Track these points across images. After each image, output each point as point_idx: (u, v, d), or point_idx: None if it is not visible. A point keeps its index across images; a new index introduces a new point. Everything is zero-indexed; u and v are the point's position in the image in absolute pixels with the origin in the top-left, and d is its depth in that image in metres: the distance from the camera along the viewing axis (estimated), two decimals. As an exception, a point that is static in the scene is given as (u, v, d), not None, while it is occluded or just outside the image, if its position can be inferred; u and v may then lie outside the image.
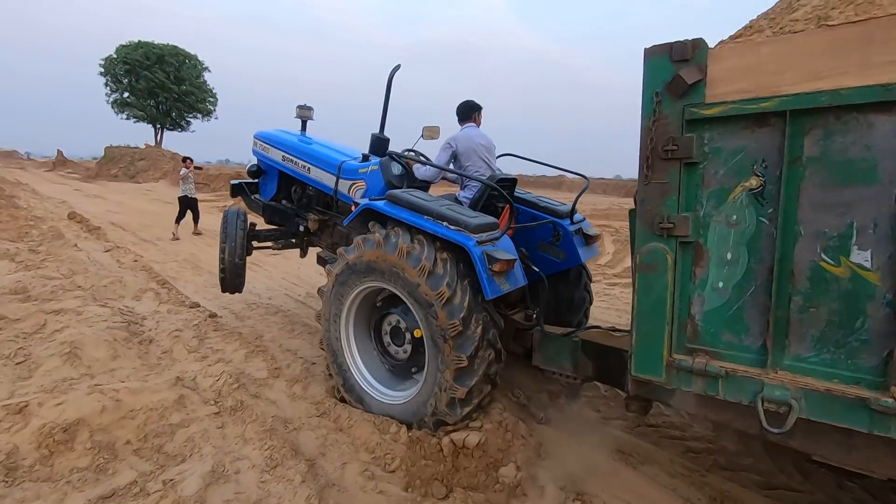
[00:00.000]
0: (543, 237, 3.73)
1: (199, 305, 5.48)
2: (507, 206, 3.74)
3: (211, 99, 40.49)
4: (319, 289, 3.47)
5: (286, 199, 4.96)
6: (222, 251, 4.44)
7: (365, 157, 4.14)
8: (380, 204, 3.21)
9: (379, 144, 4.15)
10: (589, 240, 3.78)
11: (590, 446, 3.10)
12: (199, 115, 40.24)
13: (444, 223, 2.91)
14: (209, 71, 40.35)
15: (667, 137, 1.69)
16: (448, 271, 2.79)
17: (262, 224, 5.07)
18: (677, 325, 1.77)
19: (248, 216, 4.76)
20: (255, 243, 4.64)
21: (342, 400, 3.42)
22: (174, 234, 10.12)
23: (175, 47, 37.73)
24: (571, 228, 3.68)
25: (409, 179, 3.96)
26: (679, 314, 1.76)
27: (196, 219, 10.69)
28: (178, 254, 8.69)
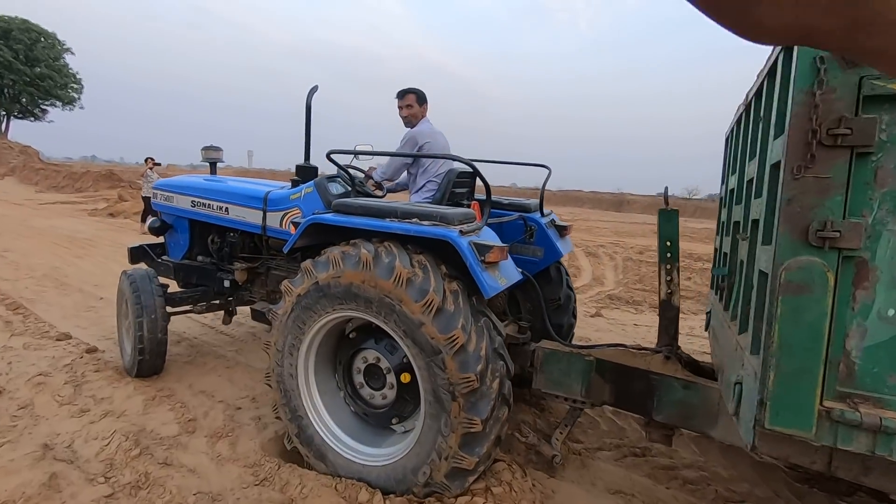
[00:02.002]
0: (514, 236, 3.39)
1: (70, 337, 4.20)
2: (475, 202, 3.37)
3: (74, 85, 35.11)
4: (270, 309, 2.63)
5: (202, 254, 3.98)
6: (139, 327, 3.38)
7: (295, 183, 3.39)
8: (329, 216, 2.52)
9: (307, 174, 3.56)
10: (563, 231, 3.55)
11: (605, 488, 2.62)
12: (58, 104, 34.65)
13: (414, 220, 2.32)
14: (72, 53, 35.03)
15: (835, 118, 1.26)
16: (461, 307, 2.16)
17: (174, 287, 3.99)
18: (830, 363, 1.34)
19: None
20: (168, 309, 3.60)
21: (293, 451, 2.60)
22: (140, 231, 9.51)
23: (26, 21, 32.19)
24: (543, 221, 3.39)
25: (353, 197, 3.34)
26: (832, 349, 1.34)
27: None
28: (35, 268, 6.91)
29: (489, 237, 2.40)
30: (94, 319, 4.81)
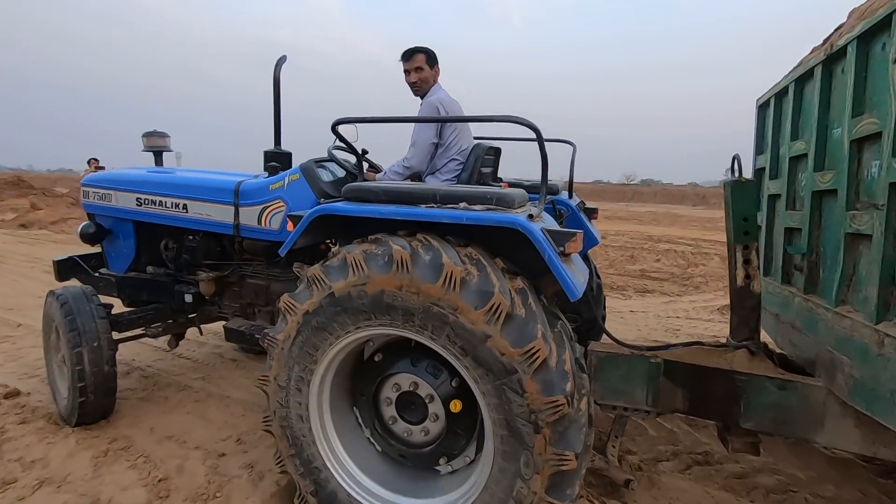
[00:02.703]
0: None
1: (-19, 378, 3.32)
2: (504, 184, 2.94)
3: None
4: (266, 333, 2.02)
5: (154, 264, 3.22)
6: (77, 360, 2.62)
7: (274, 170, 2.77)
8: (344, 206, 1.96)
9: (278, 161, 2.99)
10: (591, 215, 3.21)
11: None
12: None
13: (462, 205, 1.81)
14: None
15: None
16: (534, 310, 1.68)
17: (118, 306, 3.18)
18: None
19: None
20: (114, 334, 2.86)
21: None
22: None
23: None
24: (573, 204, 3.04)
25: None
26: None
27: None
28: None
29: (553, 223, 1.91)
30: (10, 353, 3.90)
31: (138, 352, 3.91)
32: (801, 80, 2.42)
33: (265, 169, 3.37)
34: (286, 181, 2.67)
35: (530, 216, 1.75)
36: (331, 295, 1.83)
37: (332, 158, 2.72)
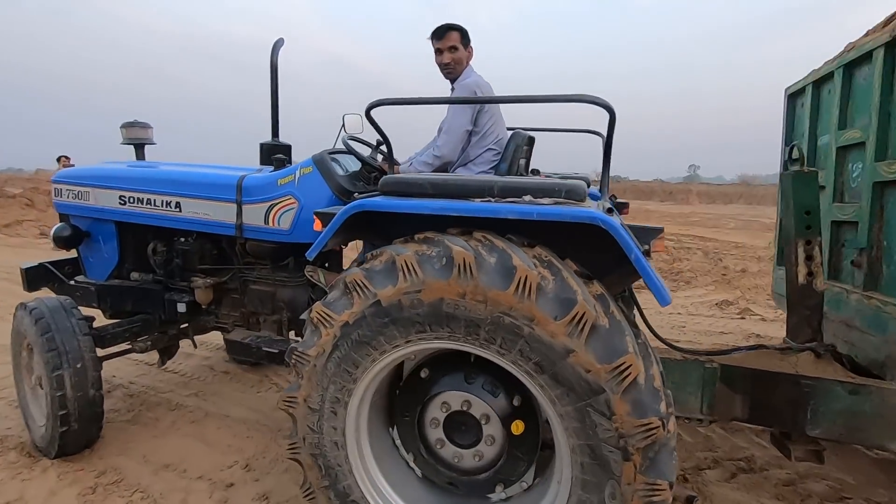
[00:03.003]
0: None
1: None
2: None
3: None
4: (293, 348, 1.75)
5: (139, 270, 2.87)
6: (58, 384, 2.27)
7: (280, 164, 2.50)
8: (381, 200, 1.70)
9: (280, 152, 2.73)
10: (623, 209, 3.03)
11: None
12: None
13: (525, 199, 1.60)
14: None
15: None
16: (618, 321, 1.48)
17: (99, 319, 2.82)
18: None
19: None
20: (98, 351, 2.52)
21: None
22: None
23: None
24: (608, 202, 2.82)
25: (363, 179, 2.49)
26: None
27: None
28: None
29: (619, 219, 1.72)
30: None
31: (118, 367, 3.51)
32: (853, 65, 2.30)
33: (264, 162, 3.08)
34: (297, 175, 2.40)
35: (609, 210, 1.55)
36: (376, 304, 1.58)
37: (348, 150, 2.46)
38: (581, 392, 1.43)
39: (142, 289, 2.81)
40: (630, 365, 1.40)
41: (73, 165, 9.23)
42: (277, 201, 2.39)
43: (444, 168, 2.56)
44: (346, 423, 1.73)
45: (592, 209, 1.51)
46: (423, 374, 1.79)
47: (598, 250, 1.59)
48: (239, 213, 2.44)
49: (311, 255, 1.79)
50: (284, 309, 2.61)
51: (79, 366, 2.29)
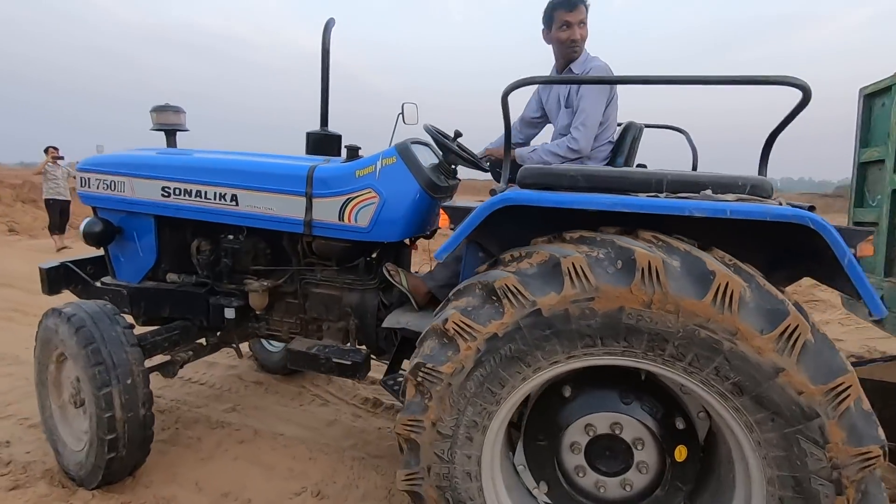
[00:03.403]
0: None
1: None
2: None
3: None
4: (420, 364, 1.50)
5: (176, 271, 2.55)
6: (106, 404, 1.95)
7: (353, 153, 2.26)
8: (532, 194, 1.48)
9: (326, 144, 2.67)
10: None
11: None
12: None
13: (704, 195, 1.41)
14: None
15: None
16: (824, 333, 1.29)
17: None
18: None
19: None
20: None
21: None
22: (57, 245, 8.35)
23: None
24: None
25: (444, 172, 2.26)
26: None
27: (63, 227, 8.65)
28: None
29: None
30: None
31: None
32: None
33: (310, 152, 2.83)
34: (378, 166, 2.14)
35: (811, 208, 1.37)
36: (536, 313, 1.36)
37: (436, 138, 2.22)
38: (790, 417, 1.25)
39: (183, 292, 2.50)
40: (849, 385, 1.22)
41: (62, 158, 8.59)
42: (355, 195, 2.14)
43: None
44: (483, 450, 1.50)
45: (795, 208, 1.33)
46: (566, 393, 1.57)
47: (750, 250, 1.43)
48: (309, 208, 2.18)
49: (440, 255, 1.55)
50: (352, 315, 2.35)
51: (129, 382, 1.97)
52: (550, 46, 2.22)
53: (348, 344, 2.38)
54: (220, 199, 2.29)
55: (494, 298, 1.42)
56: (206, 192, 2.30)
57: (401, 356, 2.30)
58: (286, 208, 2.21)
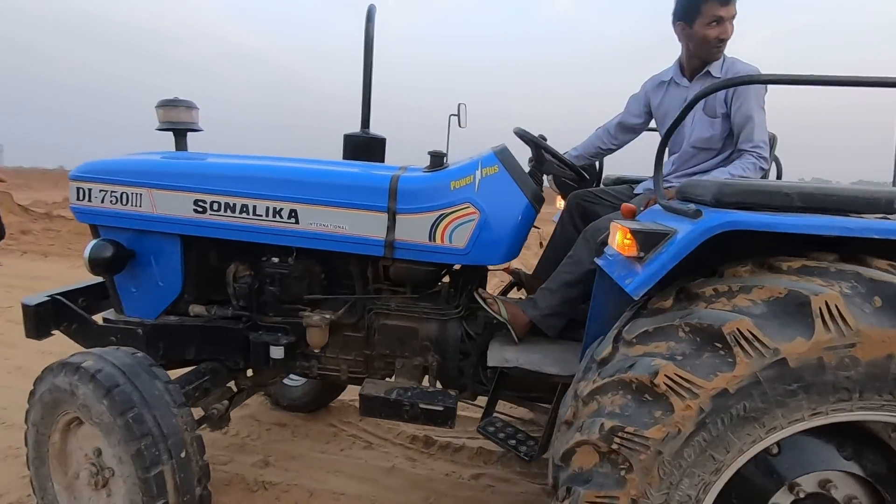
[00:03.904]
0: None
1: None
2: None
3: None
4: (618, 427, 1.20)
5: (200, 302, 2.09)
6: (158, 489, 1.50)
7: (438, 160, 1.93)
8: (764, 218, 1.23)
9: (369, 148, 2.39)
10: None
11: None
12: None
13: None
14: None
15: None
16: None
17: None
18: None
19: None
20: None
21: None
22: None
23: None
24: None
25: (537, 183, 1.96)
26: None
27: None
28: None
29: None
30: None
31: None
32: None
33: (348, 157, 2.46)
34: (477, 176, 1.83)
35: None
36: (780, 363, 1.11)
37: (540, 145, 1.93)
38: None
39: (215, 328, 2.05)
40: None
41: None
42: (450, 211, 1.81)
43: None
44: (691, 528, 1.23)
45: None
46: (773, 451, 1.33)
47: None
48: (392, 227, 1.82)
49: (638, 291, 1.26)
50: (431, 350, 2.02)
51: (182, 455, 1.53)
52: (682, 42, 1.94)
53: (425, 384, 2.04)
54: (274, 216, 1.87)
55: (719, 346, 1.15)
56: (254, 208, 1.88)
57: (495, 396, 1.99)
58: (362, 226, 1.84)
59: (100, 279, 2.32)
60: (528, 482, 2.36)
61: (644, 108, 2.10)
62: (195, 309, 2.10)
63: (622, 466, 1.21)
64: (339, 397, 3.01)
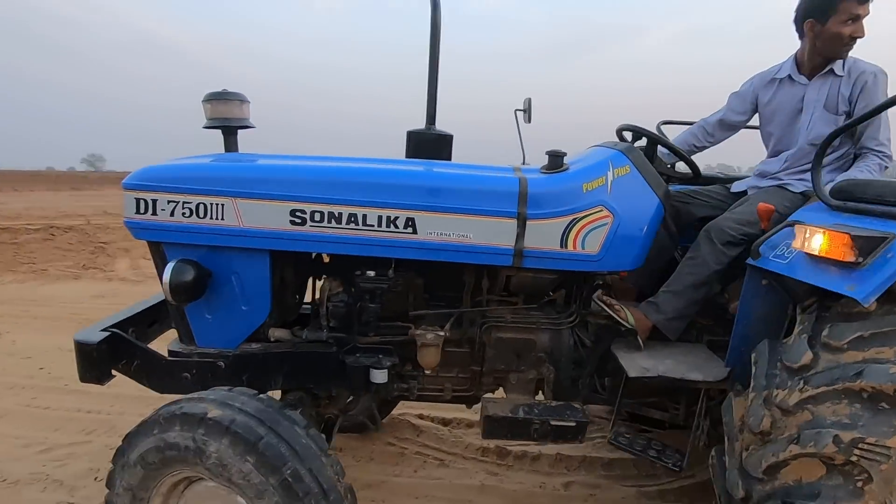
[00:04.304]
0: None
1: None
2: None
3: None
4: (856, 441, 1.17)
5: (281, 325, 1.88)
6: None
7: (556, 162, 1.79)
8: None
9: (437, 145, 2.22)
10: None
11: None
12: None
13: None
14: None
15: None
16: None
17: None
18: None
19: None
20: None
21: None
22: None
23: None
24: None
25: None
26: None
27: None
28: None
29: None
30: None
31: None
32: None
33: (411, 155, 2.31)
34: (609, 177, 1.73)
35: None
36: None
37: (663, 143, 1.86)
38: None
39: (308, 354, 1.81)
40: None
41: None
42: (583, 215, 1.70)
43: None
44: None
45: None
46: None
47: None
48: (521, 234, 1.68)
49: (868, 298, 1.21)
50: (546, 362, 1.91)
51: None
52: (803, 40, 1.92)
53: (539, 398, 1.94)
54: (388, 226, 1.66)
55: None
56: (364, 217, 1.66)
57: (620, 406, 1.92)
58: (489, 235, 1.68)
59: (153, 302, 2.01)
60: (620, 486, 2.33)
61: (750, 105, 2.09)
62: (276, 333, 1.84)
63: (858, 478, 1.18)
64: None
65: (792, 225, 1.50)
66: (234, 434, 1.27)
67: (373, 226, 1.66)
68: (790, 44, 2.05)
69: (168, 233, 1.68)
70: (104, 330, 1.70)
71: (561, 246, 1.70)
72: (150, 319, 2.01)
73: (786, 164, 1.95)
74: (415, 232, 1.67)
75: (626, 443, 1.84)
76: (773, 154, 2.05)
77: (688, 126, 2.38)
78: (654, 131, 2.05)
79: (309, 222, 1.66)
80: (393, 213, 1.66)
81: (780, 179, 1.96)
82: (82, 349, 1.64)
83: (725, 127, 2.17)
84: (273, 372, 1.80)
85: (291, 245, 1.68)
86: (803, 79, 1.93)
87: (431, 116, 2.35)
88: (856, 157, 1.92)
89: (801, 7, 1.88)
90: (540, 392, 1.99)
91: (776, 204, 1.75)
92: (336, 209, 1.65)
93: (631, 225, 1.74)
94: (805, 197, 1.87)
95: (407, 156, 2.35)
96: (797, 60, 1.96)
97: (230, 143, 2.05)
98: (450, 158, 2.35)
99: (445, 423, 2.84)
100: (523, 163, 2.47)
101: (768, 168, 2.01)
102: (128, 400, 2.98)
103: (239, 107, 2.01)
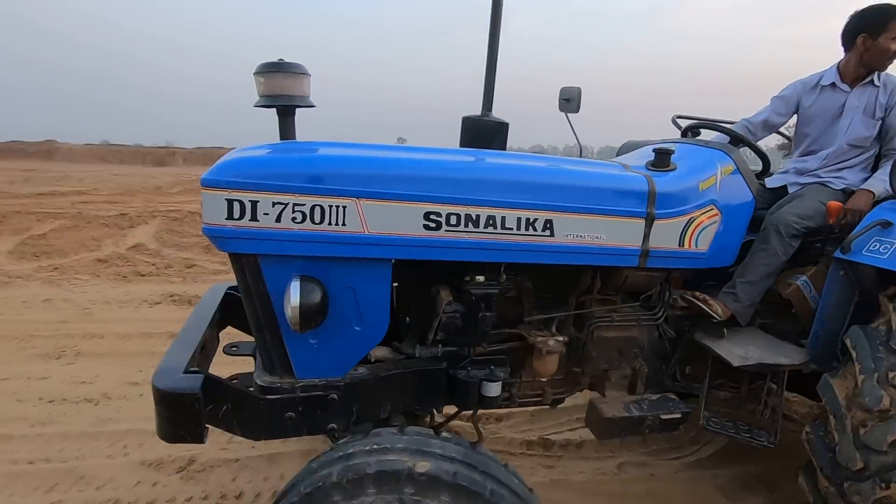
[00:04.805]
0: None
1: None
2: None
3: None
4: None
5: (383, 343, 1.62)
6: None
7: (664, 159, 1.79)
8: None
9: (490, 136, 2.16)
10: None
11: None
12: None
13: None
14: None
15: None
16: None
17: None
18: None
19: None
20: None
21: None
22: None
23: None
24: None
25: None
26: None
27: None
28: None
29: None
30: None
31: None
32: None
33: (465, 144, 2.20)
34: (718, 176, 1.79)
35: None
36: None
37: (738, 138, 1.94)
38: None
39: (417, 373, 1.60)
40: None
41: None
42: (699, 213, 1.74)
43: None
44: None
45: None
46: None
47: None
48: (647, 234, 1.65)
49: None
50: (639, 357, 1.94)
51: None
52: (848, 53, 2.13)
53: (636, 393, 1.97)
54: (527, 229, 1.52)
55: None
56: (503, 219, 1.50)
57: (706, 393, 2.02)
58: (619, 235, 1.63)
59: (201, 328, 1.60)
60: (664, 461, 2.49)
61: (791, 108, 2.27)
62: (377, 353, 1.61)
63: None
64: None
65: (883, 224, 1.68)
66: (456, 488, 1.07)
67: (511, 229, 1.51)
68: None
69: (272, 243, 1.33)
70: (189, 373, 1.31)
71: (679, 245, 1.72)
72: (201, 348, 1.61)
73: (824, 161, 2.18)
74: (552, 234, 1.55)
75: (718, 426, 1.96)
76: (807, 153, 2.27)
77: (706, 122, 2.54)
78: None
79: (444, 227, 1.44)
80: (532, 214, 1.52)
81: (820, 177, 2.18)
82: (179, 400, 1.25)
83: (768, 127, 2.36)
84: (382, 398, 1.57)
85: (422, 253, 1.45)
86: (846, 87, 2.16)
87: (489, 103, 2.19)
88: (878, 159, 2.21)
89: (854, 23, 2.09)
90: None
91: (824, 200, 1.96)
92: (474, 211, 1.46)
93: (733, 222, 1.82)
94: (845, 193, 2.11)
95: (462, 144, 2.19)
96: (840, 70, 2.18)
97: (287, 126, 1.70)
98: (504, 147, 2.22)
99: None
100: (580, 155, 2.43)
101: (807, 166, 2.23)
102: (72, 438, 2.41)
103: (297, 81, 1.67)
